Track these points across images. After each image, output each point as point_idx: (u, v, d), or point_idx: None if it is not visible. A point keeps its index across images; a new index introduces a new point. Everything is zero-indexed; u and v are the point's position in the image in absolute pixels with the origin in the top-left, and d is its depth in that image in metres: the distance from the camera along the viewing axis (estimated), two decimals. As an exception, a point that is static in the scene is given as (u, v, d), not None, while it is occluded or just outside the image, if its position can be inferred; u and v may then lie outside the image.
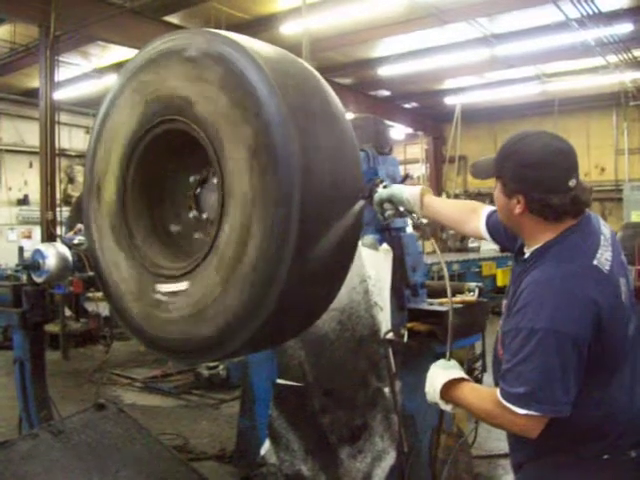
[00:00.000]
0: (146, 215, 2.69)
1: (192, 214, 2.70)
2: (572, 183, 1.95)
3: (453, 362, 2.18)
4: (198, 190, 2.69)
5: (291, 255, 2.09)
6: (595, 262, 1.94)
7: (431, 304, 4.14)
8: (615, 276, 1.98)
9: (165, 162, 2.67)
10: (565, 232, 2.00)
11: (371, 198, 2.74)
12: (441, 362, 2.18)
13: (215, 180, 2.39)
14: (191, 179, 2.69)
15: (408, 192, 2.68)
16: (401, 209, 2.72)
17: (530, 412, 1.85)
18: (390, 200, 2.71)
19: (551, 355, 1.83)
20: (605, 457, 1.97)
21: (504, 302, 2.19)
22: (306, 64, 2.50)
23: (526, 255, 2.10)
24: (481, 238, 2.57)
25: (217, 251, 2.24)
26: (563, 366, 1.83)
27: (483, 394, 2.04)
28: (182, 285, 2.37)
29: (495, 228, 2.42)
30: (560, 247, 1.98)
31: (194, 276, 2.33)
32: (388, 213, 2.75)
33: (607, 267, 1.96)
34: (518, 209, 2.00)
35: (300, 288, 2.23)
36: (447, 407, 2.10)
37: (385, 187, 2.77)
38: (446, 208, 2.69)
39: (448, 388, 2.07)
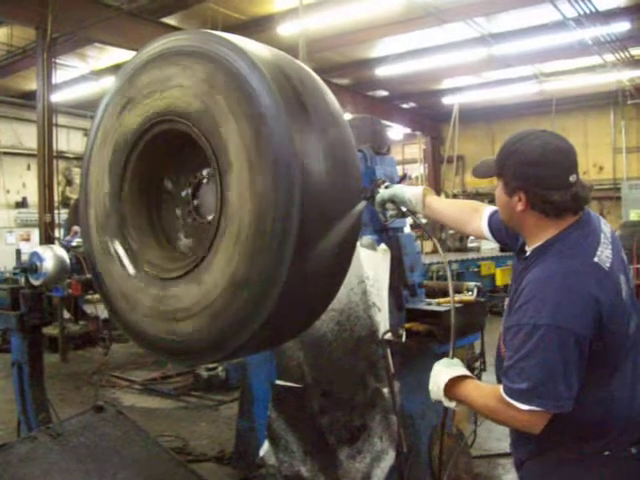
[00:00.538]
0: (145, 218, 2.68)
1: (191, 216, 2.69)
2: (572, 179, 1.98)
3: (456, 360, 2.20)
4: (197, 191, 2.69)
5: (291, 255, 2.09)
6: (596, 259, 1.97)
7: (429, 304, 4.13)
8: (615, 273, 2.00)
9: (163, 164, 2.66)
10: (566, 229, 2.03)
11: (372, 198, 2.77)
12: (444, 360, 2.21)
13: (213, 182, 2.39)
14: (189, 181, 2.69)
15: (410, 192, 2.71)
16: (403, 209, 2.75)
17: (533, 407, 1.87)
18: (392, 200, 2.74)
19: (553, 351, 1.84)
20: (606, 453, 1.98)
21: (507, 300, 2.21)
22: (303, 65, 2.49)
23: (527, 253, 2.12)
24: (483, 238, 2.59)
25: (217, 251, 2.24)
26: (565, 362, 1.85)
27: (486, 391, 2.05)
28: (182, 286, 2.37)
29: (497, 227, 2.45)
30: (561, 244, 2.00)
31: (194, 276, 2.33)
32: (390, 213, 2.78)
33: (608, 264, 1.98)
34: (520, 206, 2.03)
35: (300, 288, 2.22)
36: (451, 404, 2.12)
37: (387, 187, 2.80)
38: (448, 208, 2.72)
39: (452, 385, 2.10)
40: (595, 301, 1.88)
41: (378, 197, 2.76)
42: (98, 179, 2.69)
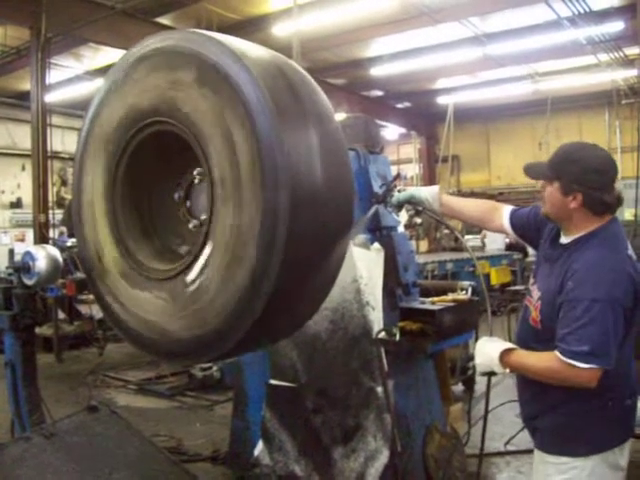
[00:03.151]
0: (137, 220, 2.67)
1: (183, 217, 2.69)
2: (616, 184, 2.49)
3: (496, 337, 2.62)
4: (188, 193, 2.68)
5: (281, 253, 2.07)
6: (629, 252, 2.47)
7: (423, 303, 4.14)
8: (636, 263, 2.48)
9: (153, 166, 2.65)
10: (605, 224, 2.48)
11: (385, 202, 3.05)
12: (485, 338, 2.63)
13: (204, 183, 2.38)
14: (180, 182, 2.68)
15: (427, 192, 3.03)
16: (419, 209, 3.05)
17: (592, 366, 2.28)
18: (409, 201, 3.06)
19: (608, 320, 2.29)
20: (610, 404, 2.46)
21: (531, 280, 2.72)
22: (296, 65, 2.48)
23: (566, 241, 2.55)
24: (504, 233, 3.05)
25: (210, 247, 2.23)
26: (615, 329, 2.31)
27: (543, 356, 2.44)
28: (173, 286, 2.36)
29: (519, 224, 2.90)
30: (605, 234, 2.46)
31: (186, 277, 2.32)
32: (409, 213, 3.05)
33: (634, 256, 2.48)
34: (573, 204, 2.45)
35: (293, 285, 2.21)
36: (505, 371, 2.50)
37: (399, 191, 3.07)
38: (467, 207, 3.11)
39: (503, 355, 2.48)
40: (634, 281, 2.37)
41: (394, 199, 3.10)
42: (90, 180, 2.67)
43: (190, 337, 2.33)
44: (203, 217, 2.48)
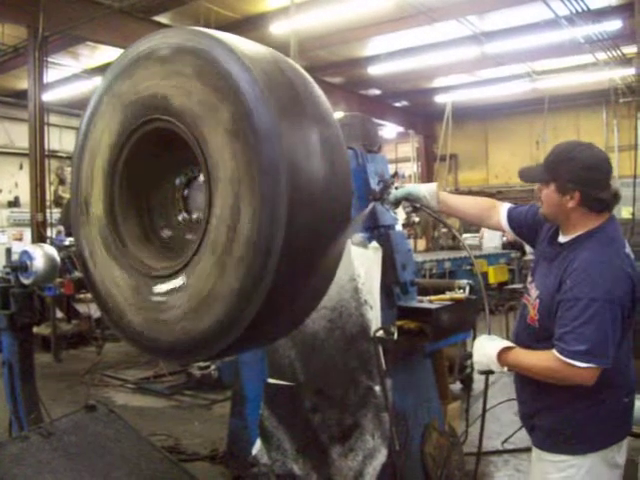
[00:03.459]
0: (135, 220, 2.67)
1: (181, 215, 2.69)
2: (611, 182, 2.48)
3: (494, 336, 2.63)
4: (185, 191, 2.68)
5: (279, 246, 2.07)
6: (627, 250, 2.47)
7: (421, 302, 4.13)
8: (634, 261, 2.49)
9: (151, 164, 2.65)
10: (604, 223, 2.49)
11: (382, 199, 3.04)
12: (484, 336, 2.64)
13: (201, 179, 2.38)
14: (177, 180, 2.68)
15: (424, 189, 3.03)
16: (417, 206, 3.06)
17: (590, 365, 2.29)
18: (406, 198, 3.06)
19: (607, 320, 2.30)
20: (608, 402, 2.48)
21: (529, 279, 2.73)
22: (295, 63, 2.48)
23: (564, 240, 2.56)
24: (501, 230, 3.07)
25: (208, 242, 2.22)
26: (613, 328, 2.32)
27: (541, 355, 2.44)
28: (177, 282, 2.35)
29: (516, 222, 2.91)
30: (602, 234, 2.46)
31: (187, 272, 2.31)
32: (407, 210, 3.05)
33: (632, 254, 2.49)
34: (571, 204, 2.46)
35: (290, 281, 2.21)
36: (503, 370, 2.52)
37: (397, 188, 3.07)
38: (465, 204, 3.12)
39: (501, 354, 2.50)
40: (632, 281, 2.38)
41: (391, 197, 3.09)
42: (88, 177, 2.67)
43: (187, 335, 2.33)
44: (198, 215, 2.49)
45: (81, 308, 10.04)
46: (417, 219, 3.05)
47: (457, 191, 19.72)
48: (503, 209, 2.96)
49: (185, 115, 2.24)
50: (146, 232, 2.68)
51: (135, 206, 2.67)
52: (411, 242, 13.66)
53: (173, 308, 2.35)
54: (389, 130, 21.44)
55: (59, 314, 9.86)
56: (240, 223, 2.11)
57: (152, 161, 2.61)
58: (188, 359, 2.95)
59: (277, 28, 11.78)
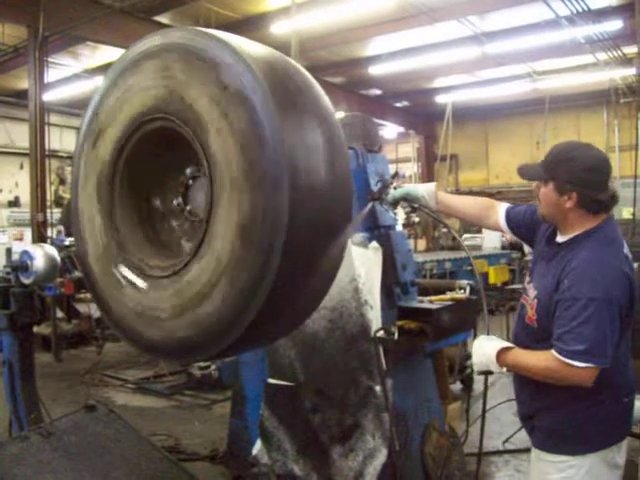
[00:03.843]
0: (136, 220, 2.67)
1: (181, 215, 2.68)
2: (610, 183, 2.48)
3: (493, 336, 2.63)
4: (187, 190, 2.67)
5: (280, 246, 2.06)
6: (625, 250, 2.47)
7: (422, 302, 4.13)
8: (632, 262, 2.50)
9: (153, 164, 2.64)
10: (602, 223, 2.49)
11: (381, 199, 3.03)
12: (483, 337, 2.64)
13: (203, 178, 2.37)
14: (180, 179, 2.67)
15: (423, 189, 3.03)
16: (415, 206, 3.06)
17: (589, 365, 2.29)
18: (404, 198, 3.05)
19: (605, 319, 2.30)
20: (607, 403, 2.47)
21: (527, 279, 2.73)
22: (296, 63, 2.48)
23: (562, 240, 2.55)
24: (499, 230, 3.06)
25: (209, 242, 2.22)
26: (612, 328, 2.32)
27: (540, 355, 2.44)
28: (178, 282, 2.35)
29: (515, 222, 2.90)
30: (600, 234, 2.46)
31: (188, 272, 2.30)
32: (405, 211, 3.05)
33: (630, 255, 2.49)
34: (569, 204, 2.45)
35: (291, 281, 2.21)
36: (502, 370, 2.51)
37: (395, 188, 3.05)
38: (463, 204, 3.11)
39: (500, 354, 2.49)
40: (630, 281, 2.38)
41: (389, 197, 3.07)
42: (87, 176, 2.67)
43: (185, 335, 2.33)
44: (201, 216, 2.48)
45: (81, 308, 10.04)
46: (417, 219, 3.04)
47: (457, 191, 19.74)
48: (501, 209, 2.95)
49: (187, 115, 2.24)
50: (146, 232, 2.68)
51: (136, 203, 2.67)
52: (411, 242, 13.66)
53: (173, 308, 2.35)
54: (390, 130, 21.44)
55: (59, 314, 9.87)
56: (241, 223, 2.11)
57: (153, 161, 2.61)
58: (188, 359, 2.93)
59: (278, 28, 11.78)
